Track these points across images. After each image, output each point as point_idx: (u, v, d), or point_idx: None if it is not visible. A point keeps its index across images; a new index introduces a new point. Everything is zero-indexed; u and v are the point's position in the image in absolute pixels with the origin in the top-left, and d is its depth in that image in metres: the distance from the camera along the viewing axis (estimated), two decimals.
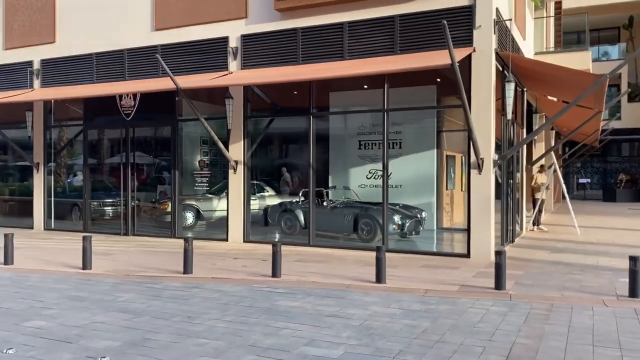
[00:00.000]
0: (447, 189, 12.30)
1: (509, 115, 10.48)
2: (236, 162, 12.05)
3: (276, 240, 11.77)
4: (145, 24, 13.08)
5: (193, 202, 13.50)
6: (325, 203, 12.04)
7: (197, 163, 13.74)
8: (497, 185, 10.46)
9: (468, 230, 9.99)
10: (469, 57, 9.73)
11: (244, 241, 12.04)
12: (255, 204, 12.86)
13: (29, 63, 14.72)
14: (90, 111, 14.47)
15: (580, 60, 16.37)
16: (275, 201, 12.98)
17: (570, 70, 10.15)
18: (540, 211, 15.05)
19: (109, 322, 5.92)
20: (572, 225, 14.42)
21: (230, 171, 12.12)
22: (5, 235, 9.57)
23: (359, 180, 11.98)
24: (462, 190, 12.55)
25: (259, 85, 11.97)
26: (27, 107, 14.70)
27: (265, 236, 12.40)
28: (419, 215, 11.36)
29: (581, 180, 31.49)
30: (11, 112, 15.11)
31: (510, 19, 11.40)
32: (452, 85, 9.83)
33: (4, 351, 4.94)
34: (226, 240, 12.19)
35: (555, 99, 15.27)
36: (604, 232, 14.34)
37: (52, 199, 15.03)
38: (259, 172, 13.39)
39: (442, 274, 8.45)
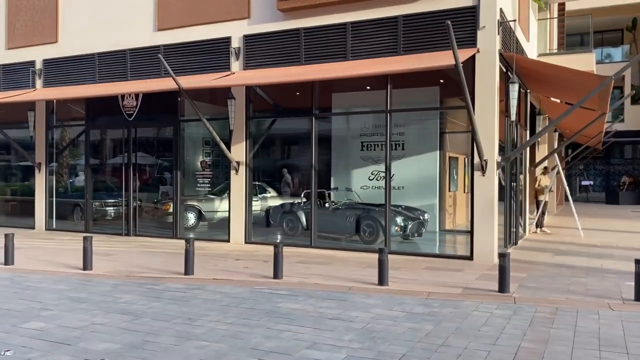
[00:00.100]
0: (449, 191, 12.23)
1: (513, 117, 10.40)
2: (238, 163, 12.00)
3: (278, 241, 11.71)
4: (148, 24, 13.05)
5: (195, 203, 13.45)
6: (327, 204, 11.98)
7: (199, 164, 13.70)
8: (500, 187, 10.39)
9: (471, 232, 9.92)
10: (472, 58, 9.67)
11: (246, 242, 11.99)
12: (257, 205, 12.81)
13: (32, 63, 14.70)
14: (93, 111, 14.44)
15: (584, 62, 16.26)
16: (277, 202, 12.93)
17: (574, 71, 10.08)
18: (543, 213, 14.97)
19: (108, 324, 5.87)
20: (575, 227, 14.34)
21: (232, 172, 12.07)
22: (6, 235, 9.53)
23: (361, 182, 11.91)
24: (464, 192, 12.48)
25: (261, 86, 11.93)
26: (29, 107, 14.70)
27: (267, 237, 12.34)
28: (421, 217, 11.29)
29: (584, 183, 31.38)
30: (13, 112, 15.10)
31: (515, 20, 11.34)
32: (455, 86, 9.77)
33: (2, 353, 4.89)
34: (228, 241, 12.14)
35: (558, 101, 15.19)
36: (607, 234, 14.25)
37: (54, 199, 15.00)
38: (261, 173, 13.34)
39: (445, 277, 8.38)
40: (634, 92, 12.57)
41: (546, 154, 17.76)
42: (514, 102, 9.99)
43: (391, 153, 10.76)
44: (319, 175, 11.64)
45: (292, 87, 11.87)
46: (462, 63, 8.27)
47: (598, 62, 22.72)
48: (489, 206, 9.75)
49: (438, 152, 11.47)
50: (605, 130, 17.73)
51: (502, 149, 10.76)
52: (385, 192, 10.71)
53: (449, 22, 7.70)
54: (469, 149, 10.11)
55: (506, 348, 5.06)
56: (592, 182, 31.36)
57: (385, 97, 10.62)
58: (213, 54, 12.21)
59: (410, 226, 11.05)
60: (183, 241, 9.00)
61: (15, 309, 6.52)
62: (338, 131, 12.48)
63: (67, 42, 14.20)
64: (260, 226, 12.73)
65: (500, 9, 9.92)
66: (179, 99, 12.72)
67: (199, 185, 13.55)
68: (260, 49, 11.71)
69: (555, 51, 19.18)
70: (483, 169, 9.72)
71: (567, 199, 16.60)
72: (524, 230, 14.10)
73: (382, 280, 7.73)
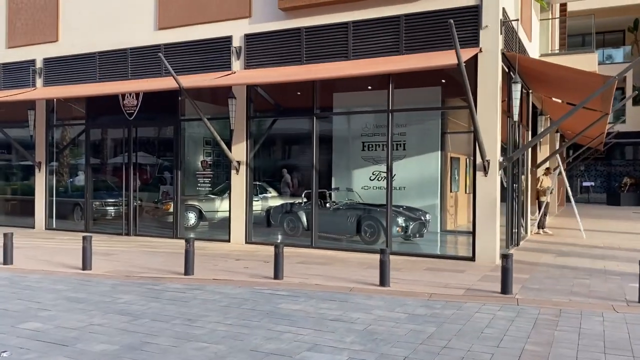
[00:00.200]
0: (451, 191, 12.16)
1: (515, 117, 10.33)
2: (239, 162, 11.94)
3: (278, 241, 11.65)
4: (149, 23, 13.00)
5: (195, 203, 13.39)
6: (328, 204, 11.92)
7: (200, 163, 13.64)
8: (502, 188, 10.32)
9: (473, 232, 9.85)
10: (475, 57, 9.61)
11: (246, 242, 11.93)
12: (258, 205, 12.75)
13: (32, 62, 14.65)
14: (93, 110, 14.38)
15: (586, 62, 16.18)
16: (278, 202, 12.87)
17: (578, 71, 10.01)
18: (545, 214, 14.90)
19: (107, 325, 5.80)
20: (577, 228, 14.27)
21: (233, 172, 12.01)
22: (5, 235, 9.47)
23: (362, 182, 11.85)
24: (466, 192, 12.42)
25: (262, 85, 11.86)
26: (29, 105, 14.64)
27: (267, 237, 12.27)
28: (422, 218, 11.22)
29: (585, 184, 31.31)
30: (13, 111, 15.04)
31: (517, 20, 11.27)
32: (456, 86, 9.72)
33: None
34: (228, 241, 12.08)
35: (560, 101, 15.12)
36: (609, 235, 14.18)
37: (54, 198, 14.94)
38: (262, 173, 13.27)
39: (447, 278, 8.31)
40: (637, 92, 12.43)
41: (548, 154, 17.70)
42: (516, 102, 9.93)
43: (392, 153, 10.69)
44: (320, 175, 11.58)
45: (293, 87, 11.82)
46: (464, 62, 8.21)
47: (599, 63, 22.69)
48: (491, 207, 9.68)
49: (439, 152, 11.40)
50: (607, 131, 17.66)
51: (504, 150, 10.69)
52: (386, 192, 10.65)
53: (452, 21, 7.64)
54: (471, 149, 10.05)
55: (510, 350, 4.99)
56: (593, 183, 31.29)
57: (387, 97, 10.55)
58: (214, 53, 12.15)
59: (411, 227, 10.98)
60: (183, 241, 8.94)
61: (12, 309, 6.46)
62: (339, 131, 12.42)
63: (68, 40, 14.14)
64: (261, 226, 12.66)
65: (503, 9, 9.85)
66: (179, 98, 12.66)
67: (199, 185, 13.48)
68: (261, 48, 11.65)
69: (557, 51, 19.11)
70: (485, 169, 9.66)
71: (568, 200, 16.52)
72: (526, 231, 14.04)
73: (383, 281, 7.66)
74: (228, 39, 11.97)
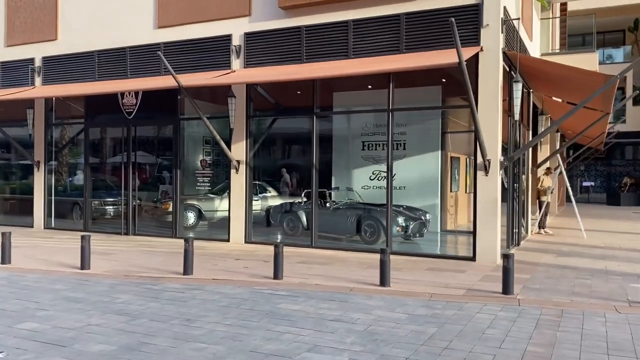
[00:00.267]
0: (451, 191, 12.12)
1: (517, 116, 10.29)
2: (238, 162, 11.88)
3: (278, 241, 11.60)
4: (148, 21, 12.94)
5: (195, 202, 13.34)
6: (328, 204, 11.87)
7: (199, 163, 13.58)
8: (503, 188, 10.27)
9: (474, 232, 9.80)
10: (475, 56, 9.56)
11: (246, 242, 11.88)
12: (258, 205, 12.70)
13: (31, 60, 14.60)
14: (92, 109, 14.32)
15: (586, 62, 16.15)
16: (278, 202, 12.82)
17: (580, 70, 9.96)
18: (545, 214, 14.86)
19: (105, 325, 5.75)
20: (577, 228, 14.23)
21: (233, 171, 11.96)
22: (3, 234, 9.41)
23: (362, 182, 11.80)
24: (466, 192, 12.38)
25: (262, 84, 11.81)
26: (28, 104, 14.59)
27: (267, 237, 12.22)
28: (423, 217, 11.18)
29: (585, 184, 31.28)
30: (12, 110, 14.98)
31: (519, 18, 11.22)
32: (457, 85, 9.67)
33: None
34: (228, 240, 12.03)
35: (560, 100, 15.08)
36: (610, 235, 14.14)
37: (53, 197, 14.89)
38: (262, 173, 13.22)
39: (448, 278, 8.26)
40: (638, 92, 12.38)
41: (548, 154, 17.65)
42: (517, 102, 9.87)
43: (392, 153, 10.64)
44: (319, 175, 11.53)
45: (293, 86, 11.77)
46: (465, 61, 8.16)
47: (599, 63, 22.66)
48: (492, 206, 9.63)
49: (440, 151, 11.35)
50: (607, 131, 17.62)
51: (504, 149, 10.64)
52: (386, 191, 10.60)
53: (453, 20, 7.59)
54: (471, 148, 10.01)
55: (512, 352, 4.94)
56: (592, 183, 31.26)
57: (387, 96, 10.50)
58: (213, 51, 12.09)
59: (411, 226, 10.94)
60: (182, 240, 8.89)
61: (10, 309, 6.41)
62: (339, 130, 12.37)
63: (67, 39, 14.08)
64: (261, 226, 12.61)
65: (504, 7, 9.80)
66: (179, 97, 12.61)
67: (199, 184, 13.43)
68: (261, 46, 11.60)
69: (558, 51, 19.07)
70: (486, 169, 9.61)
71: (568, 200, 16.48)
72: (526, 231, 13.99)
73: (383, 281, 7.61)
74: (228, 38, 11.92)
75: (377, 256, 7.83)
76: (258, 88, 11.97)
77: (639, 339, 5.35)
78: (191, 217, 13.30)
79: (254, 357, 4.77)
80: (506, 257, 7.12)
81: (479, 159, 9.67)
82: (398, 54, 10.25)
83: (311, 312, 6.33)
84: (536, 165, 16.43)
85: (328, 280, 8.00)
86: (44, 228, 14.71)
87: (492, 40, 9.57)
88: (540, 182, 15.26)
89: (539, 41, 16.66)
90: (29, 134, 14.79)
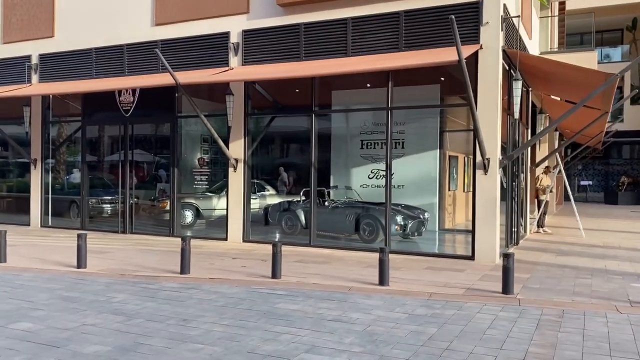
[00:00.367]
0: (449, 190, 12.08)
1: (516, 115, 10.23)
2: (236, 160, 11.81)
3: (276, 240, 11.53)
4: (146, 18, 12.84)
5: (192, 201, 13.26)
6: (326, 203, 11.80)
7: (197, 161, 13.50)
8: (501, 187, 10.21)
9: (473, 231, 9.73)
10: (475, 54, 9.49)
11: (244, 241, 11.80)
12: (256, 203, 12.62)
13: (27, 57, 14.49)
14: (89, 107, 14.23)
15: (585, 60, 16.09)
16: (276, 200, 12.74)
17: (580, 68, 9.89)
18: (544, 213, 14.82)
19: (100, 325, 5.67)
20: (576, 227, 14.19)
21: (231, 169, 11.88)
22: None
23: (361, 180, 11.74)
24: (464, 191, 12.33)
25: (260, 82, 11.73)
26: (24, 102, 14.50)
27: (265, 236, 12.16)
28: (421, 216, 11.12)
29: (582, 183, 31.28)
30: (9, 108, 14.87)
31: (518, 16, 11.16)
32: (456, 84, 9.61)
33: None
34: (225, 239, 11.95)
35: (558, 99, 15.03)
36: (608, 234, 14.09)
37: (50, 195, 14.80)
38: (260, 171, 13.15)
39: (447, 277, 8.20)
40: (637, 91, 12.39)
41: (547, 153, 17.60)
42: (517, 100, 9.81)
43: (391, 151, 10.57)
44: (318, 173, 11.46)
45: (291, 84, 11.69)
46: (464, 59, 8.09)
47: (598, 62, 22.62)
48: (491, 205, 9.58)
49: (438, 150, 11.30)
50: (605, 130, 17.58)
51: (503, 148, 10.58)
52: (385, 190, 10.53)
53: (453, 17, 7.51)
54: (469, 147, 9.95)
55: (513, 353, 4.87)
56: (590, 182, 31.26)
57: (386, 95, 10.43)
58: (211, 49, 12.01)
59: (410, 225, 10.88)
60: (179, 239, 8.82)
61: (3, 309, 6.32)
62: (338, 129, 12.30)
63: (64, 36, 13.99)
64: (259, 224, 12.54)
65: (504, 5, 9.74)
66: (176, 94, 12.53)
67: (196, 182, 13.35)
68: (260, 44, 11.51)
69: (557, 50, 19.02)
70: (485, 168, 9.55)
71: (567, 199, 16.44)
72: (525, 230, 13.94)
73: (382, 280, 7.55)
74: (226, 35, 11.84)
75: (376, 255, 7.77)
76: (256, 86, 11.89)
77: None
78: (189, 215, 13.22)
79: (252, 358, 4.69)
80: (506, 256, 7.05)
81: (478, 158, 9.61)
82: (397, 52, 10.18)
83: (309, 311, 6.26)
84: (535, 164, 16.39)
85: (326, 280, 7.93)
86: (41, 226, 14.62)
87: (491, 38, 9.50)
88: (539, 181, 15.22)
89: (538, 40, 16.61)
90: (25, 131, 14.70)
